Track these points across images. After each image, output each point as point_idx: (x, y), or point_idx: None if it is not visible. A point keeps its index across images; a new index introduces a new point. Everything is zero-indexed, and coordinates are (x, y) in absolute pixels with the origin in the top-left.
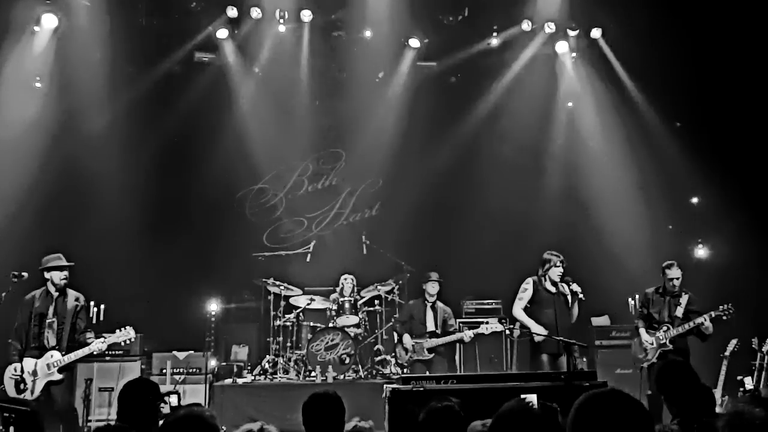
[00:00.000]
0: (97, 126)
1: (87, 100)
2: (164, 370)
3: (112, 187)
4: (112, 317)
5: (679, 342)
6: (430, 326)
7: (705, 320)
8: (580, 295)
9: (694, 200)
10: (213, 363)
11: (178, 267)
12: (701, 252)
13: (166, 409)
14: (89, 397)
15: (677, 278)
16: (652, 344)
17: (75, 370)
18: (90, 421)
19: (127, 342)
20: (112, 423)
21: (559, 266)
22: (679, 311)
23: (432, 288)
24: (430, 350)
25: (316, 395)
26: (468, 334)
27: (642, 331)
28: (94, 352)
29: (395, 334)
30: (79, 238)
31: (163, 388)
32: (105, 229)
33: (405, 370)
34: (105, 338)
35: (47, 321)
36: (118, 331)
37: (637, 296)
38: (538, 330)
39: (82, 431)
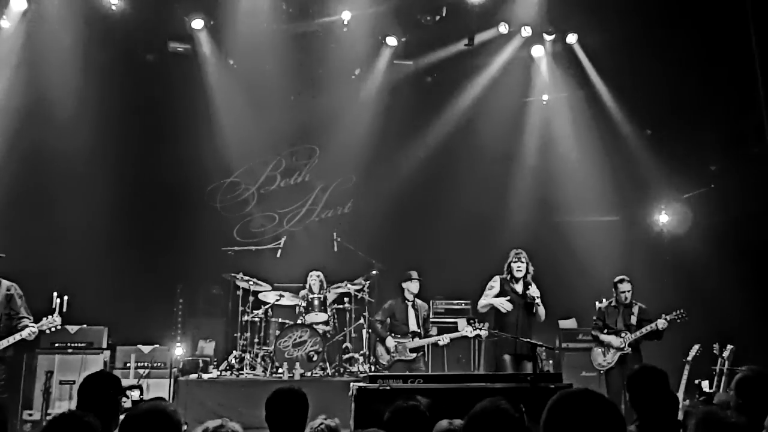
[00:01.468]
0: (67, 113)
1: (56, 87)
2: (128, 364)
3: (81, 177)
4: (77, 309)
5: (635, 346)
6: (413, 326)
7: (662, 325)
8: (537, 301)
9: (662, 208)
10: (179, 352)
11: (147, 259)
12: (668, 258)
13: (127, 404)
14: (49, 389)
15: (628, 291)
16: (612, 346)
17: (35, 362)
18: (49, 414)
19: (53, 330)
20: (76, 411)
21: (516, 261)
22: (633, 320)
23: (414, 287)
24: (412, 350)
25: (279, 391)
26: (444, 339)
27: (602, 336)
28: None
29: (375, 335)
30: (45, 228)
31: (127, 382)
32: (72, 218)
33: (386, 371)
34: (34, 326)
35: None
36: (44, 318)
37: (604, 300)
38: (501, 303)
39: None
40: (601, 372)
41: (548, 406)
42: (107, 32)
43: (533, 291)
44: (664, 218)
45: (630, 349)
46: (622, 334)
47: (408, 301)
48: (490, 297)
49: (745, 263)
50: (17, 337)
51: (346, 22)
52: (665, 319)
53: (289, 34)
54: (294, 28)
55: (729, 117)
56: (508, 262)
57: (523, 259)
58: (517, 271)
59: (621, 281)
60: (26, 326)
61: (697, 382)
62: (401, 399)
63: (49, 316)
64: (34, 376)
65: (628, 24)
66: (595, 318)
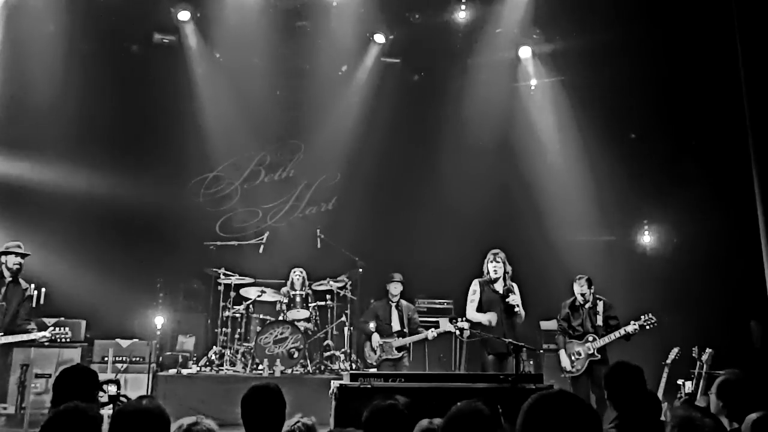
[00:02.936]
0: (48, 103)
1: (38, 76)
2: (106, 358)
3: (61, 168)
4: (55, 301)
5: (602, 351)
6: (396, 326)
7: (633, 331)
8: (517, 309)
9: (644, 211)
10: (159, 321)
11: (127, 252)
12: (649, 261)
13: (104, 398)
14: (24, 383)
15: (582, 294)
16: (579, 355)
17: (10, 355)
18: (24, 408)
19: (63, 340)
20: (79, 404)
21: (493, 262)
22: (599, 320)
23: (394, 288)
24: (398, 349)
25: (255, 388)
26: (432, 333)
27: (562, 352)
28: (37, 340)
29: (362, 334)
30: (23, 219)
31: (104, 377)
32: (51, 210)
33: (374, 370)
34: (45, 333)
35: None
36: (59, 328)
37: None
38: (489, 317)
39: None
40: (568, 378)
41: (524, 409)
42: (91, 21)
43: (513, 299)
44: (645, 221)
45: (599, 355)
46: (589, 338)
47: (392, 301)
48: (474, 309)
49: (724, 266)
50: (25, 337)
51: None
52: (636, 325)
53: (277, 28)
54: (281, 23)
55: (712, 122)
56: (485, 262)
57: (500, 260)
58: (493, 272)
59: (577, 280)
60: (32, 329)
61: (680, 382)
62: (379, 398)
63: (61, 327)
64: (9, 369)
65: (615, 28)
66: (559, 319)
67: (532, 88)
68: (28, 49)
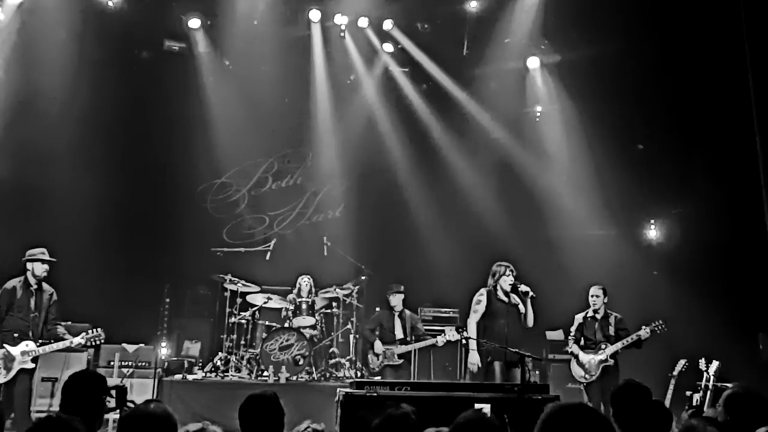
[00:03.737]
0: (58, 108)
1: (49, 82)
2: (112, 363)
3: (69, 173)
4: (62, 305)
5: (613, 357)
6: (399, 334)
7: (645, 335)
8: (531, 294)
9: (652, 222)
10: (164, 351)
11: (134, 258)
12: (655, 272)
13: (111, 403)
14: (31, 386)
15: (596, 297)
16: (593, 361)
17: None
18: (30, 411)
19: (97, 343)
20: (55, 412)
21: (509, 275)
22: (612, 330)
23: (394, 299)
24: (400, 356)
25: (252, 397)
26: (442, 339)
27: (580, 354)
28: (72, 345)
29: (365, 341)
30: (31, 224)
31: (111, 381)
32: (58, 215)
33: (377, 377)
34: (79, 338)
35: (31, 315)
36: (91, 331)
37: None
38: (473, 354)
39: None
40: (581, 385)
41: (542, 419)
42: (103, 28)
43: (523, 287)
44: (653, 233)
45: (612, 361)
46: (602, 345)
47: (395, 311)
48: (476, 321)
49: (732, 278)
50: (61, 345)
51: (343, 28)
52: (647, 330)
53: (286, 37)
54: (291, 32)
55: (719, 135)
56: (498, 275)
57: (513, 274)
58: (508, 285)
59: (592, 290)
60: (64, 333)
61: (688, 394)
62: (391, 406)
63: (95, 330)
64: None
65: (622, 40)
66: (573, 331)
67: (540, 97)
68: (39, 55)
